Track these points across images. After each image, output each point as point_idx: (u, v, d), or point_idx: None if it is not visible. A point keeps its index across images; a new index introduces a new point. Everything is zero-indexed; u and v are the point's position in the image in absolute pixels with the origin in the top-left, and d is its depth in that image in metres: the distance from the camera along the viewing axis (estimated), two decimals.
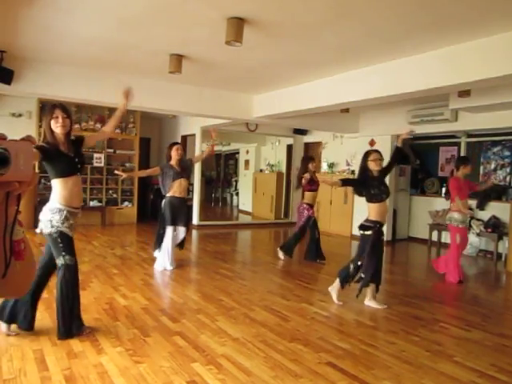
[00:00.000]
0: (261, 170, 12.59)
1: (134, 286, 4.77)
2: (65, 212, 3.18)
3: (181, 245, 5.78)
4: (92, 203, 9.53)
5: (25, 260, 0.74)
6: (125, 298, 4.31)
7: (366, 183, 4.29)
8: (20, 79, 5.33)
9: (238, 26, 3.66)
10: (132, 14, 3.74)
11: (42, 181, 8.96)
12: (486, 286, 5.73)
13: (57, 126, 3.07)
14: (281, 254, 6.49)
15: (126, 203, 9.90)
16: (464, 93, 5.48)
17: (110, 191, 9.83)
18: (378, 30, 3.88)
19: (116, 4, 3.55)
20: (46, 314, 3.74)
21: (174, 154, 5.44)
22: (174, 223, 5.53)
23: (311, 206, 6.34)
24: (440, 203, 7.99)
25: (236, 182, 15.06)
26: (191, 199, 5.84)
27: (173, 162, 5.45)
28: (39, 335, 3.28)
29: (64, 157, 3.14)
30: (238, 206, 14.20)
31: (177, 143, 5.73)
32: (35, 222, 8.60)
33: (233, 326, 3.63)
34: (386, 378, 2.80)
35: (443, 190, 7.26)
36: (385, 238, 4.53)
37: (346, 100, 5.57)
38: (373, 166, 4.24)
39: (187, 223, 5.70)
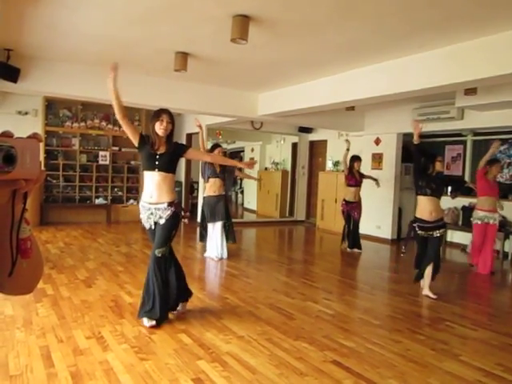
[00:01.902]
0: (266, 169, 12.58)
1: (140, 283, 4.76)
2: (141, 206, 3.60)
3: (231, 239, 6.32)
4: (97, 201, 9.57)
5: (31, 258, 0.74)
6: (130, 296, 4.32)
7: (419, 173, 4.81)
8: (26, 77, 5.35)
9: (243, 24, 3.66)
10: (137, 11, 3.74)
11: (49, 178, 9.02)
12: (492, 285, 5.70)
13: (160, 128, 3.43)
14: (353, 250, 7.30)
15: (132, 201, 9.93)
16: (470, 91, 5.43)
17: (116, 189, 9.87)
18: (384, 27, 3.86)
19: (122, 2, 3.55)
20: (52, 311, 3.76)
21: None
22: (213, 220, 6.11)
23: (346, 201, 7.23)
24: (446, 202, 7.94)
25: (241, 180, 15.04)
26: (224, 195, 6.31)
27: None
28: (45, 332, 3.30)
29: (148, 153, 3.48)
30: (242, 204, 14.20)
31: (219, 145, 6.17)
32: (42, 220, 8.73)
33: (238, 324, 3.64)
34: (392, 377, 2.80)
35: (449, 188, 7.22)
36: (434, 235, 4.77)
37: (352, 98, 5.55)
38: (439, 167, 4.80)
39: (226, 217, 6.18)
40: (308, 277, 5.50)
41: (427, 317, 4.07)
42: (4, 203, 0.66)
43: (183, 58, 4.88)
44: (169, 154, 3.50)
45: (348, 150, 7.22)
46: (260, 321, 3.75)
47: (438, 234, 4.70)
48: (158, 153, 3.48)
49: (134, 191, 10.04)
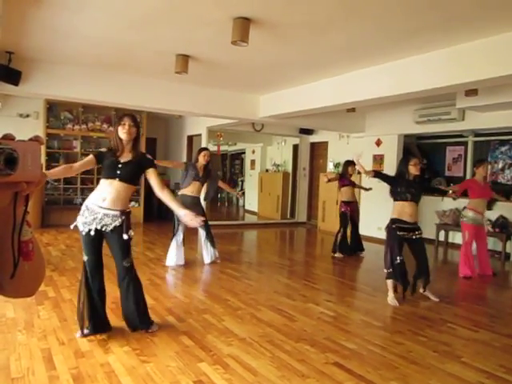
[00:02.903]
0: (267, 170, 12.58)
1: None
2: (85, 206, 3.27)
3: (211, 242, 6.03)
4: None
5: (33, 261, 0.74)
6: None
7: (396, 181, 4.57)
8: (27, 80, 5.37)
9: (244, 26, 3.67)
10: (139, 14, 3.75)
11: (50, 181, 9.02)
12: (493, 286, 5.69)
13: (123, 132, 3.25)
14: (337, 254, 6.94)
15: (133, 203, 9.91)
16: (471, 92, 5.44)
17: None
18: (385, 29, 3.86)
19: (123, 4, 3.56)
20: (53, 314, 3.76)
21: (201, 158, 5.78)
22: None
23: (345, 202, 6.94)
24: (447, 203, 7.94)
25: (242, 181, 15.05)
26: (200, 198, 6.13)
27: (198, 164, 5.78)
28: (47, 334, 3.30)
29: (111, 161, 3.25)
30: (243, 205, 14.20)
31: (206, 149, 6.03)
32: (43, 223, 8.72)
33: (239, 326, 3.63)
34: (393, 379, 2.79)
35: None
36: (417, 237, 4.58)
37: (353, 99, 5.56)
38: (413, 171, 4.49)
39: (206, 221, 5.90)
40: (309, 278, 5.49)
41: (429, 318, 4.06)
42: (5, 206, 0.66)
43: (184, 60, 4.89)
44: (134, 164, 3.26)
45: (329, 180, 7.02)
46: (261, 323, 3.75)
47: (419, 236, 4.54)
48: (122, 161, 3.24)
49: (135, 193, 10.03)
